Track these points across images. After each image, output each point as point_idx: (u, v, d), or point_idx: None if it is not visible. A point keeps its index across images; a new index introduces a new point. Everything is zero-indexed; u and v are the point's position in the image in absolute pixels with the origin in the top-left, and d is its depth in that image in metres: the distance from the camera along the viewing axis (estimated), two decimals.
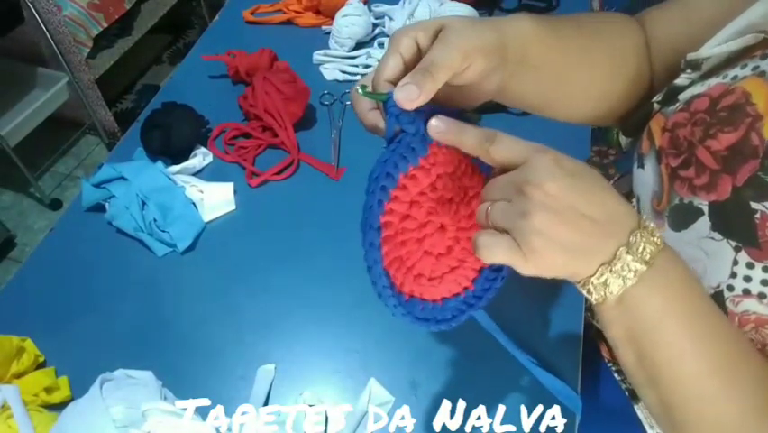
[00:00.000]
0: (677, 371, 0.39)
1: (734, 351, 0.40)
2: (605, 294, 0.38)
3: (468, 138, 0.39)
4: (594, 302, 0.40)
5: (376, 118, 0.43)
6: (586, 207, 0.37)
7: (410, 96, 0.38)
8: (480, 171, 0.44)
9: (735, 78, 0.46)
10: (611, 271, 0.37)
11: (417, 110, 0.39)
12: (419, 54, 0.41)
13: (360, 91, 0.41)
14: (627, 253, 0.37)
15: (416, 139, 0.39)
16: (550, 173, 0.37)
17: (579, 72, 0.51)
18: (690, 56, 0.50)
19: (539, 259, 0.37)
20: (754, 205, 0.42)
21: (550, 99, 0.51)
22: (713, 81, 0.48)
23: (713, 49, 0.48)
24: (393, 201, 0.39)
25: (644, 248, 0.37)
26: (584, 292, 0.39)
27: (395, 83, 0.39)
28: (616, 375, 0.66)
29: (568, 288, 0.68)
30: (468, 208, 0.44)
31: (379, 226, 0.39)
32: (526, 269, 0.38)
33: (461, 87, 0.42)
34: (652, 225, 0.38)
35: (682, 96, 0.50)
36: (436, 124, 0.39)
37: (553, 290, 0.68)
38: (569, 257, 0.37)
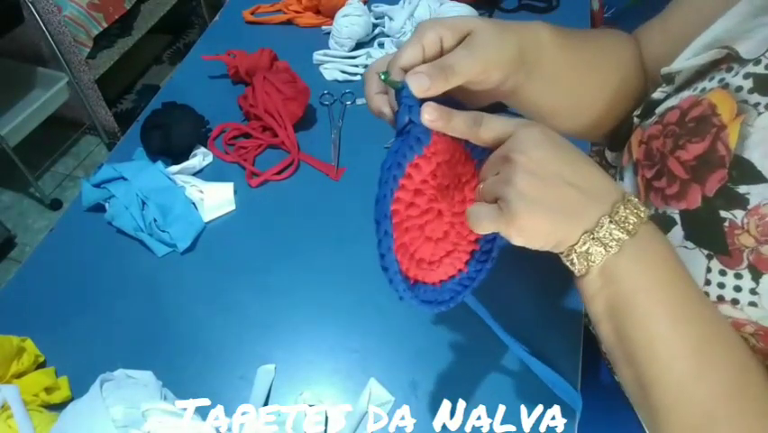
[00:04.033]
0: (653, 348, 0.39)
1: (711, 331, 0.40)
2: (587, 264, 0.39)
3: (457, 123, 0.40)
4: (577, 274, 0.41)
5: (382, 102, 0.43)
6: (570, 176, 0.38)
7: (421, 86, 0.39)
8: (473, 158, 0.45)
9: (703, 90, 0.47)
10: (593, 238, 0.38)
11: (428, 99, 0.40)
12: (440, 52, 0.42)
13: (381, 76, 0.41)
14: (611, 221, 0.38)
15: (421, 129, 0.40)
16: (535, 142, 0.38)
17: (584, 86, 0.52)
18: (664, 70, 0.51)
19: (523, 223, 0.37)
20: (723, 213, 0.42)
21: (554, 109, 0.51)
22: (685, 94, 0.49)
23: (683, 63, 0.49)
24: (400, 190, 0.40)
25: (626, 218, 0.38)
26: (567, 264, 0.40)
27: (408, 71, 0.40)
28: (616, 376, 0.66)
29: (568, 289, 0.68)
30: (461, 194, 0.45)
31: (390, 215, 0.40)
32: (512, 235, 0.39)
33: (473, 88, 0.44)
34: (636, 199, 0.39)
35: (658, 110, 0.51)
36: (428, 113, 0.40)
37: (553, 291, 0.68)
38: (552, 222, 0.38)
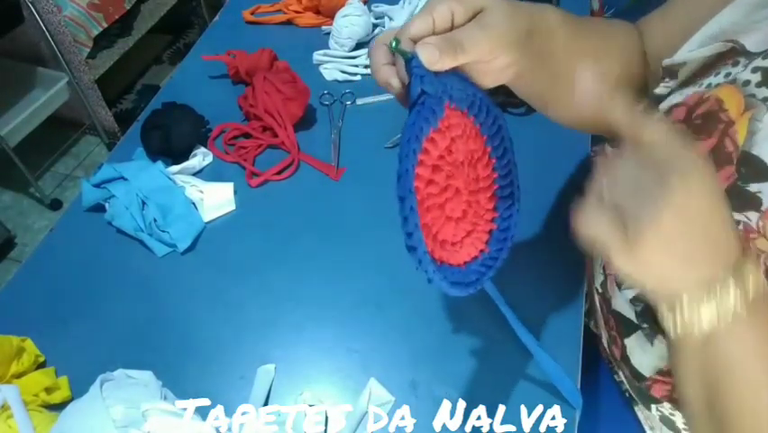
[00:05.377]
0: (753, 418, 0.36)
1: None
2: (692, 325, 0.36)
3: (617, 110, 0.35)
4: (678, 334, 0.37)
5: (389, 73, 0.42)
6: (711, 222, 0.34)
7: (430, 58, 0.38)
8: (482, 134, 0.44)
9: (709, 85, 0.46)
10: (709, 299, 0.35)
11: (438, 72, 0.39)
12: (451, 26, 0.40)
13: (393, 43, 0.40)
14: (734, 285, 0.35)
15: (435, 100, 0.39)
16: (699, 172, 0.34)
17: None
18: (666, 62, 0.50)
19: (641, 253, 0.34)
20: (736, 216, 0.41)
21: (556, 96, 0.50)
22: (690, 90, 0.48)
23: (686, 54, 0.48)
24: (419, 165, 0.39)
25: (747, 285, 0.35)
26: (668, 321, 0.37)
27: (417, 42, 0.39)
28: (616, 376, 0.66)
29: (568, 289, 0.68)
30: (474, 171, 0.44)
31: (414, 190, 0.38)
32: (622, 257, 0.35)
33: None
34: (751, 261, 0.36)
35: (662, 106, 0.50)
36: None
37: (553, 291, 0.68)
38: (676, 269, 0.35)
